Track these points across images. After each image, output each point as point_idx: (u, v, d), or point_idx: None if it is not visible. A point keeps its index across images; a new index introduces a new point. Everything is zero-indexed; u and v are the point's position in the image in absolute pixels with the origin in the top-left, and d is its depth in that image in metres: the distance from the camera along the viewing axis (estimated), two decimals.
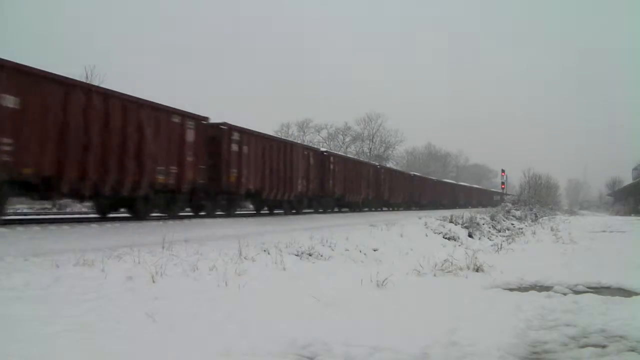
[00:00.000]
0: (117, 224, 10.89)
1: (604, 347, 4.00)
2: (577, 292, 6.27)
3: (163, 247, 7.34)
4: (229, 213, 17.33)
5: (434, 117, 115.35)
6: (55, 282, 5.21)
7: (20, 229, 8.80)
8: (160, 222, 12.21)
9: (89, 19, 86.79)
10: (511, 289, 6.52)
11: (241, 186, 17.18)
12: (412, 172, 44.89)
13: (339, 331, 3.98)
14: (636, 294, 6.29)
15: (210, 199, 16.24)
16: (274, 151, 19.41)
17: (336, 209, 27.32)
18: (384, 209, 34.70)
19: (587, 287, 6.63)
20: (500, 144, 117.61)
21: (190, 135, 14.54)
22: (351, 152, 58.47)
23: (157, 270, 5.76)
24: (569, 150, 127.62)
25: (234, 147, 16.74)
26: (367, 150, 61.35)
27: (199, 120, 15.23)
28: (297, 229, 12.02)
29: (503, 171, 50.95)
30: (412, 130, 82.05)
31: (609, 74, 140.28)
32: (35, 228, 9.04)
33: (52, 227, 9.42)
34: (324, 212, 24.55)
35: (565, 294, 6.08)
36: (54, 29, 69.86)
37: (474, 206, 52.11)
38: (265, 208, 20.98)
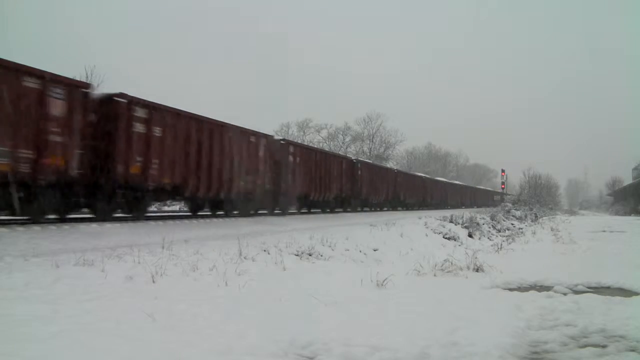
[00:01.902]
0: (117, 224, 10.89)
1: (604, 347, 4.00)
2: (577, 292, 6.28)
3: (163, 247, 7.35)
4: None
5: (434, 117, 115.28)
6: (55, 282, 5.21)
7: (20, 229, 8.79)
8: (160, 222, 12.21)
9: (87, 19, 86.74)
10: (511, 289, 6.52)
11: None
12: (355, 158, 29.64)
13: (339, 331, 3.98)
14: (636, 294, 6.29)
15: None
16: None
17: (209, 212, 15.94)
18: (313, 210, 21.66)
19: (587, 287, 6.64)
20: (500, 144, 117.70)
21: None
22: (351, 152, 58.41)
23: (157, 270, 5.77)
24: (569, 150, 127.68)
25: None
26: (367, 150, 61.35)
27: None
28: None
29: (503, 171, 51.10)
30: (412, 130, 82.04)
31: (609, 74, 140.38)
32: (36, 228, 9.03)
33: (52, 227, 9.41)
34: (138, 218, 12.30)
35: (565, 294, 6.08)
36: (53, 29, 69.81)
37: (454, 207, 42.79)
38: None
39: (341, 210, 24.44)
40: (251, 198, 16.68)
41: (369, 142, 62.96)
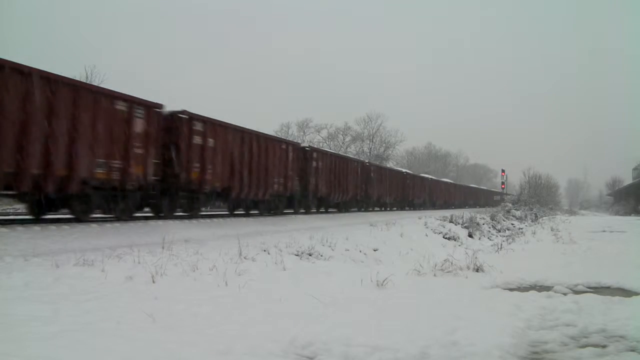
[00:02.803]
0: (117, 224, 10.88)
1: (604, 347, 4.00)
2: (577, 292, 6.27)
3: (163, 247, 7.35)
4: None
5: (434, 117, 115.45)
6: (55, 282, 5.22)
7: (20, 228, 8.79)
8: (160, 222, 12.20)
9: (87, 19, 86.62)
10: (511, 289, 6.52)
11: None
12: (308, 145, 22.80)
13: (339, 331, 3.98)
14: (636, 294, 6.29)
15: None
16: None
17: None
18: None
19: (587, 287, 6.64)
20: (500, 144, 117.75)
21: None
22: (351, 152, 58.40)
23: (157, 270, 5.77)
24: (569, 150, 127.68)
25: None
26: (367, 150, 61.37)
27: None
28: None
29: (503, 171, 51.11)
30: (412, 130, 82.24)
31: (609, 74, 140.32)
32: (36, 228, 9.03)
33: (52, 227, 9.40)
34: None
35: (565, 294, 6.08)
36: (54, 29, 69.79)
37: (440, 207, 38.24)
38: None
39: (292, 211, 19.40)
40: (122, 194, 11.45)
41: (369, 142, 62.99)
